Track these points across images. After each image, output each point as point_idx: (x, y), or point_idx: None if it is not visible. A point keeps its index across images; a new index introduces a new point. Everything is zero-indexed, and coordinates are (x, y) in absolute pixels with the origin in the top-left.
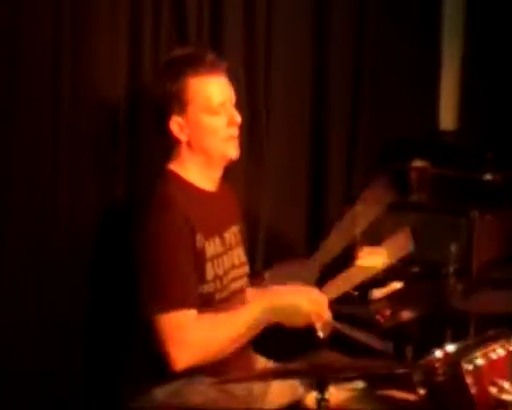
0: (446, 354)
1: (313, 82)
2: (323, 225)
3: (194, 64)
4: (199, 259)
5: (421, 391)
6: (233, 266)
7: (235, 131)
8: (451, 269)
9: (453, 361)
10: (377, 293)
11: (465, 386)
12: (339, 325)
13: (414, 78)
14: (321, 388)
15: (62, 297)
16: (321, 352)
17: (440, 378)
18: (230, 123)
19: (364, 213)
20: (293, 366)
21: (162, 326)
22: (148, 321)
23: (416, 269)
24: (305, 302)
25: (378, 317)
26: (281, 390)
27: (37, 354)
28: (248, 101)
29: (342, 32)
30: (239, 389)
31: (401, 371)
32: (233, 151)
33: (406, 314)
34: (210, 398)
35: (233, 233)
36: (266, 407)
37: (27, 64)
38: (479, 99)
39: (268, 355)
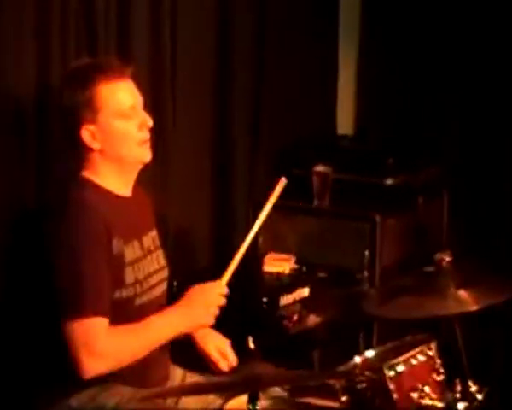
0: (367, 360)
1: (217, 86)
2: (228, 227)
3: (103, 70)
4: (117, 263)
5: (344, 398)
6: (154, 271)
7: (146, 135)
8: (365, 274)
9: (375, 367)
10: (285, 299)
11: (387, 392)
12: None
13: (312, 81)
14: (253, 400)
15: None
16: (252, 363)
17: (363, 385)
18: (142, 126)
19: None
20: (226, 379)
21: (72, 333)
22: (61, 326)
23: (322, 274)
24: (208, 296)
25: (286, 322)
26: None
27: None
28: (154, 105)
29: (245, 37)
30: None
31: (331, 379)
32: (146, 155)
33: (313, 319)
34: (125, 397)
35: (151, 237)
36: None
37: None
38: (375, 104)
39: (186, 365)
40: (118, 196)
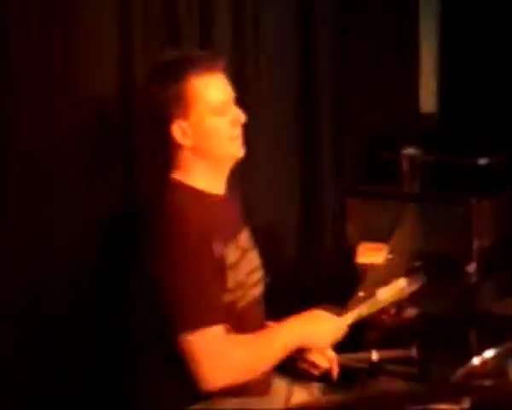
0: (486, 362)
1: (301, 72)
2: (317, 218)
3: (194, 64)
4: (219, 268)
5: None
6: (251, 271)
7: (238, 131)
8: (472, 266)
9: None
10: (383, 292)
11: None
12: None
13: (394, 60)
14: None
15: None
16: (377, 379)
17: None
18: (234, 122)
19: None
20: (351, 397)
21: (191, 346)
22: (175, 343)
23: (418, 263)
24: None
25: (384, 316)
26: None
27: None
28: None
29: (327, 22)
30: (258, 406)
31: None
32: (239, 150)
33: (411, 312)
34: None
35: (246, 236)
36: None
37: (19, 65)
38: (458, 81)
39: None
40: (211, 196)
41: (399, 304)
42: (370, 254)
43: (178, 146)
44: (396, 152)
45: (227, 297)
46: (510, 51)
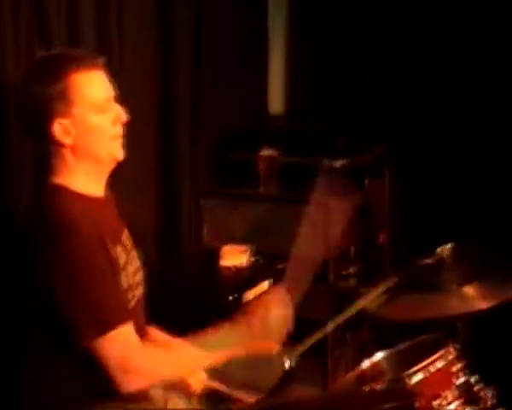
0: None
1: (159, 75)
2: (172, 220)
3: (76, 61)
4: (114, 269)
5: None
6: (135, 271)
7: (120, 130)
8: (352, 270)
9: (395, 377)
10: (250, 295)
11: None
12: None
13: (244, 62)
14: None
15: None
16: (290, 387)
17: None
18: (116, 121)
19: None
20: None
21: (106, 349)
22: (87, 349)
23: (282, 265)
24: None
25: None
26: None
27: None
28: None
29: (184, 20)
30: None
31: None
32: (119, 151)
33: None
34: None
35: (127, 236)
36: None
37: None
38: (306, 81)
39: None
40: (93, 198)
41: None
42: (233, 257)
43: (58, 146)
44: (249, 153)
45: None
46: (360, 52)
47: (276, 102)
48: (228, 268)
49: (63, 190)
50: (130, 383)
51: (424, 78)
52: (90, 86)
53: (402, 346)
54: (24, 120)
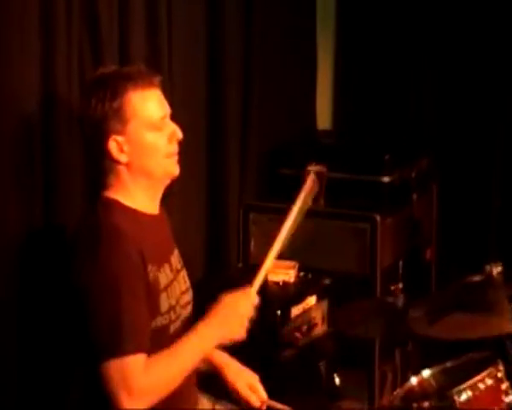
0: (424, 381)
1: (209, 92)
2: (221, 233)
3: (133, 78)
4: (152, 291)
5: None
6: (182, 292)
7: (175, 148)
8: (399, 286)
9: (443, 394)
10: (297, 310)
11: None
12: None
13: (292, 79)
14: None
15: None
16: (339, 403)
17: None
18: (171, 139)
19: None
20: None
21: (110, 372)
22: (96, 366)
23: (327, 281)
24: (240, 307)
25: (297, 334)
26: None
27: None
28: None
29: (233, 37)
30: None
31: None
32: (175, 168)
33: (320, 329)
34: None
35: (177, 256)
36: None
37: None
38: (353, 97)
39: (214, 394)
40: (146, 215)
41: (311, 322)
42: (280, 272)
43: (114, 162)
44: (297, 168)
45: (160, 320)
46: (405, 69)
47: (324, 117)
48: (275, 283)
49: (115, 204)
50: (131, 406)
51: (470, 91)
52: (146, 104)
53: (450, 363)
54: (83, 136)
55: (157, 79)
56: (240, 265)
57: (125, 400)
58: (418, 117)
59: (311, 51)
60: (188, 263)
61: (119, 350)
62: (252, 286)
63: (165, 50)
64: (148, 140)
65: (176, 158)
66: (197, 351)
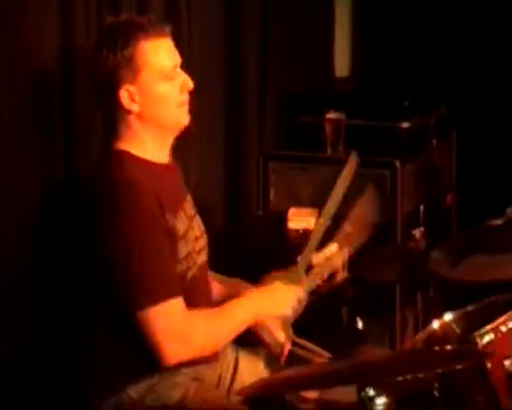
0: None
1: (228, 39)
2: (240, 182)
3: (143, 29)
4: (171, 238)
5: None
6: (196, 238)
7: (186, 97)
8: (420, 230)
9: (465, 337)
10: (318, 257)
11: (482, 362)
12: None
13: (309, 26)
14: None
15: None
16: (361, 347)
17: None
18: (183, 88)
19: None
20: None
21: (150, 320)
22: (133, 319)
23: (349, 228)
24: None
25: (318, 281)
26: (248, 372)
27: None
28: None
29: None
30: (208, 374)
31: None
32: (185, 117)
33: (341, 276)
34: (190, 391)
35: (189, 202)
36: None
37: None
38: (371, 44)
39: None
40: (157, 165)
41: (333, 269)
42: (301, 220)
43: (125, 112)
44: (315, 116)
45: (179, 267)
46: (423, 14)
47: (342, 65)
48: (296, 230)
49: (127, 156)
50: (175, 354)
51: (489, 35)
52: (157, 54)
53: (471, 307)
54: (95, 86)
55: (168, 29)
56: (260, 213)
57: (167, 345)
58: (436, 63)
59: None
60: (208, 212)
61: (156, 297)
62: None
63: (183, 3)
64: (160, 90)
65: (187, 107)
66: (247, 314)
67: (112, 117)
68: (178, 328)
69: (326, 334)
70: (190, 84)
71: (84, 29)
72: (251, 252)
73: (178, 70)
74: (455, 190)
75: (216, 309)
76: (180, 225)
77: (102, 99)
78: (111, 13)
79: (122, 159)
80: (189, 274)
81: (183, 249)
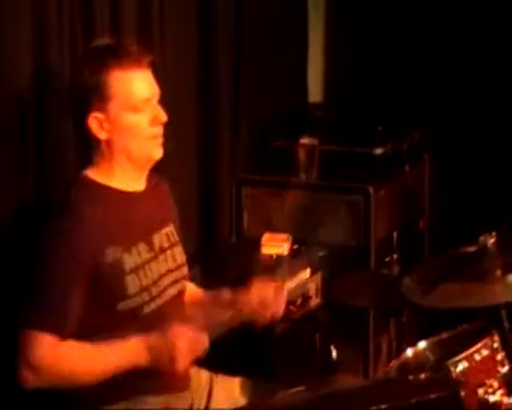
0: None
1: (200, 68)
2: (213, 207)
3: (118, 55)
4: (115, 273)
5: None
6: (167, 272)
7: (159, 130)
8: (394, 257)
9: (439, 366)
10: (290, 283)
11: (455, 390)
12: None
13: (284, 52)
14: None
15: None
16: (335, 376)
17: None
18: (154, 121)
19: None
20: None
21: (20, 339)
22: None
23: (321, 254)
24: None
25: (291, 307)
26: (223, 398)
27: None
28: None
29: (224, 9)
30: (179, 403)
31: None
32: (157, 151)
33: (315, 302)
34: None
35: (165, 234)
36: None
37: None
38: (344, 69)
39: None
40: (124, 193)
41: (305, 294)
42: (275, 245)
43: (94, 138)
44: (289, 141)
45: (129, 303)
46: (396, 40)
47: (315, 90)
48: (269, 256)
49: (89, 181)
50: (27, 378)
51: (463, 61)
52: (129, 85)
53: (445, 335)
54: (70, 108)
55: (147, 59)
56: (233, 238)
57: (22, 369)
58: (410, 88)
59: (302, 24)
60: (180, 237)
61: (32, 323)
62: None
63: (156, 26)
64: (129, 121)
65: (159, 140)
66: (120, 358)
67: (84, 141)
68: (32, 357)
69: (299, 361)
70: (163, 117)
71: (57, 48)
72: (224, 278)
73: (152, 102)
74: (428, 215)
75: (94, 348)
76: (131, 259)
77: (74, 121)
78: (84, 31)
79: (81, 183)
80: (146, 309)
81: (133, 284)
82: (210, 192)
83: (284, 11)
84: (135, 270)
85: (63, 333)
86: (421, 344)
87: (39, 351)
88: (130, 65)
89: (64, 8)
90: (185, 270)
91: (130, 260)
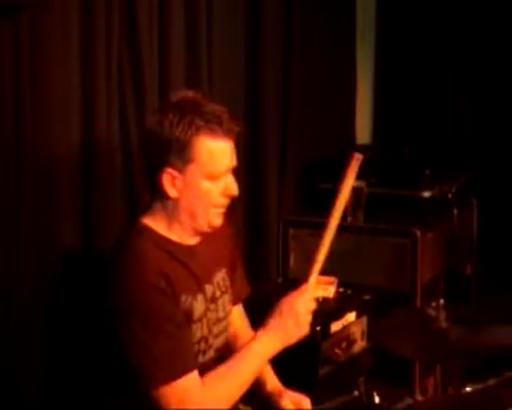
0: None
1: (248, 108)
2: (260, 248)
3: (210, 121)
4: (187, 321)
5: None
6: (217, 320)
7: (226, 202)
8: (440, 302)
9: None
10: (335, 326)
11: None
12: None
13: (331, 92)
14: None
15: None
16: None
17: None
18: (226, 193)
19: None
20: None
21: (167, 398)
22: (148, 394)
23: (367, 297)
24: (299, 306)
25: (336, 350)
26: None
27: None
28: None
29: (273, 50)
30: None
31: None
32: (217, 220)
33: (360, 345)
34: None
35: (217, 282)
36: None
37: None
38: (393, 112)
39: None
40: (181, 246)
41: (350, 338)
42: (321, 288)
43: (163, 192)
44: (336, 183)
45: None
46: (444, 84)
47: (363, 132)
48: (315, 299)
49: (149, 230)
50: None
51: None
52: (215, 154)
53: (492, 381)
54: (143, 151)
55: (235, 130)
56: (280, 280)
57: None
58: (458, 132)
59: (350, 66)
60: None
61: (172, 375)
62: (307, 281)
63: (204, 69)
64: (203, 188)
65: (222, 210)
66: (258, 360)
67: (150, 190)
68: (195, 402)
69: (342, 405)
70: (235, 191)
71: (104, 120)
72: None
73: (228, 173)
74: (475, 260)
75: (230, 362)
76: (197, 307)
77: (146, 168)
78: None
79: (142, 232)
80: (201, 359)
81: (196, 333)
82: (257, 233)
83: (333, 52)
84: (199, 319)
85: (194, 367)
86: (467, 389)
87: (194, 390)
88: (220, 135)
89: (112, 69)
90: (228, 320)
91: (197, 309)
